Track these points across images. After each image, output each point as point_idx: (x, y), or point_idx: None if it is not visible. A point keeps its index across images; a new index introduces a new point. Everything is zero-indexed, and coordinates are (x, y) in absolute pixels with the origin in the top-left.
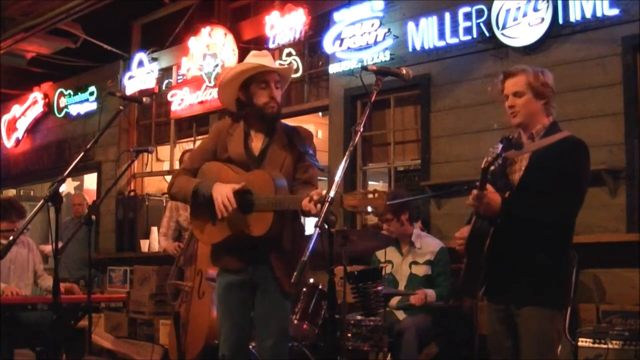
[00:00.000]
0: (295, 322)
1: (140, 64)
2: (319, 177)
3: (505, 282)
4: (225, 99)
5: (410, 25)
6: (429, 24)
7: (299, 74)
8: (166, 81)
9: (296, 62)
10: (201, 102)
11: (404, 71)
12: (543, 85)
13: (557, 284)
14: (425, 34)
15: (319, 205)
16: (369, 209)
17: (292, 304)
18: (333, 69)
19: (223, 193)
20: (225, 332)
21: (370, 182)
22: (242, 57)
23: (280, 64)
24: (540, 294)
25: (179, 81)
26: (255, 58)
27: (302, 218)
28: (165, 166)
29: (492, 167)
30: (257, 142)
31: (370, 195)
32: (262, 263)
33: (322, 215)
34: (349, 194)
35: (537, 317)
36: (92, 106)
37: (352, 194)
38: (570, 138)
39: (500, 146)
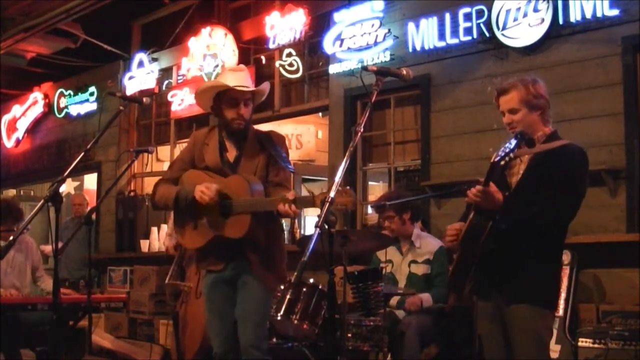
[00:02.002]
0: (295, 322)
1: (140, 64)
2: (313, 177)
3: (496, 279)
4: (201, 106)
5: (411, 25)
6: (429, 24)
7: (299, 74)
8: (166, 81)
9: (296, 62)
10: None
11: (404, 71)
12: (536, 97)
13: (548, 283)
14: (425, 34)
15: (293, 206)
16: (341, 206)
17: (289, 302)
18: (333, 69)
19: (202, 186)
20: (214, 330)
21: (370, 182)
22: (242, 57)
23: (281, 64)
24: (531, 292)
25: (179, 81)
26: (230, 74)
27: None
28: (165, 166)
29: (502, 162)
30: (232, 150)
31: (340, 193)
32: (241, 259)
33: (322, 215)
34: (320, 194)
35: (527, 314)
36: (92, 106)
37: (322, 193)
38: (570, 145)
39: (514, 142)
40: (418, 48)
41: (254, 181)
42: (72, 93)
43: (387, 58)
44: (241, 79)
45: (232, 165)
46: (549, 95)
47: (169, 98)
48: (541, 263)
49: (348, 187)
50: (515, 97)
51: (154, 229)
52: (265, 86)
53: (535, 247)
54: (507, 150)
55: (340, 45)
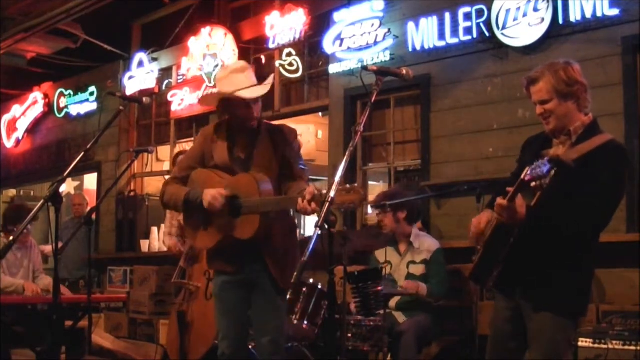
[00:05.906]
0: (295, 322)
1: (140, 64)
2: (313, 177)
3: (523, 281)
4: (207, 106)
5: (410, 25)
6: (429, 24)
7: (299, 74)
8: (166, 81)
9: (296, 62)
10: None
11: (404, 71)
12: (569, 85)
13: (575, 293)
14: (425, 34)
15: (313, 204)
16: (348, 204)
17: (289, 302)
18: (333, 69)
19: (212, 193)
20: (223, 331)
21: (370, 182)
22: (242, 57)
23: (281, 64)
24: (556, 301)
25: (179, 81)
26: (231, 77)
27: (295, 216)
28: (165, 166)
29: (533, 184)
30: (243, 146)
31: (348, 191)
32: (256, 262)
33: (322, 215)
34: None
35: (551, 324)
36: (92, 106)
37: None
38: (610, 144)
39: (547, 166)
40: (418, 48)
41: (263, 180)
42: (72, 93)
43: (387, 58)
44: (242, 82)
45: (244, 161)
46: (584, 79)
47: (169, 98)
48: (571, 271)
49: (356, 184)
50: (545, 88)
51: (154, 229)
52: (264, 86)
53: (566, 253)
54: (540, 174)
55: (340, 45)
